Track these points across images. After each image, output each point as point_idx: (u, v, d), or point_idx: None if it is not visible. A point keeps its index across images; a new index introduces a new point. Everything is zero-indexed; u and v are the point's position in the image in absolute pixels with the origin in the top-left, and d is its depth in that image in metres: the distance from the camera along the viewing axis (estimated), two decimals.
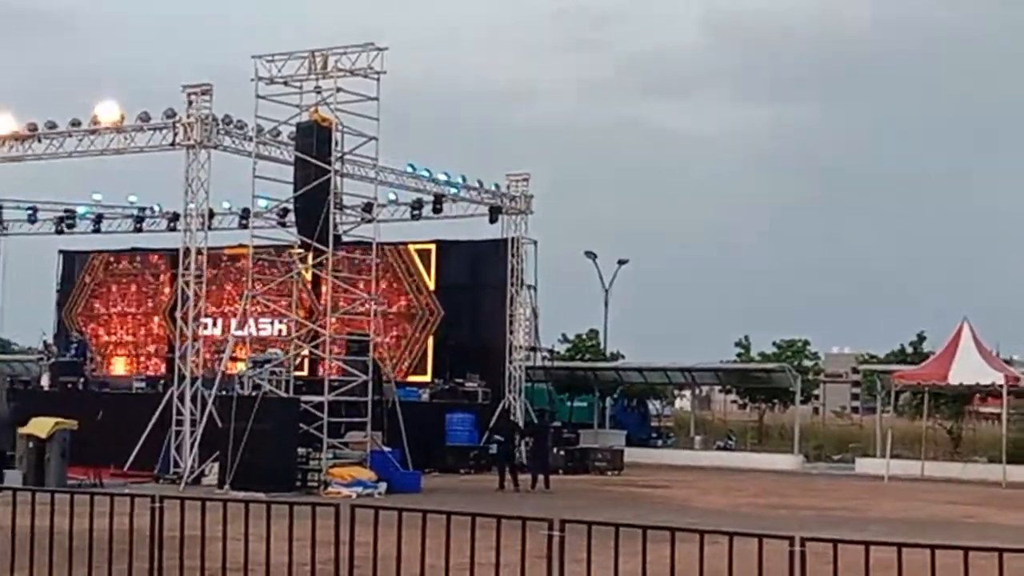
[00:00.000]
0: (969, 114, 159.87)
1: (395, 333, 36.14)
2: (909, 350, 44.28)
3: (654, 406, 49.91)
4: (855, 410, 76.58)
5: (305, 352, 29.92)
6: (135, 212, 39.07)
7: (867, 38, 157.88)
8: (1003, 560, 8.58)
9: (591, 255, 53.11)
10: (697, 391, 52.18)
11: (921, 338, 44.10)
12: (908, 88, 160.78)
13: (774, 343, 48.90)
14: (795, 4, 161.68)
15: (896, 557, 8.63)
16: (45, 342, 37.98)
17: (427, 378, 35.61)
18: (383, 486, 25.74)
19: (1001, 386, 34.52)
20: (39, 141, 30.22)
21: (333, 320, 28.38)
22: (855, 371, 53.12)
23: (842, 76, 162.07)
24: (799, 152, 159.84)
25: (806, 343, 49.20)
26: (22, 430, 24.70)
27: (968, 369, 34.32)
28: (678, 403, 57.37)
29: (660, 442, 45.14)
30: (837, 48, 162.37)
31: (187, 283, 28.14)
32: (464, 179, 35.01)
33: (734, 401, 54.28)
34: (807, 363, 48.59)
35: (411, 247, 36.74)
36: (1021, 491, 31.55)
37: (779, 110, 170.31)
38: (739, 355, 48.90)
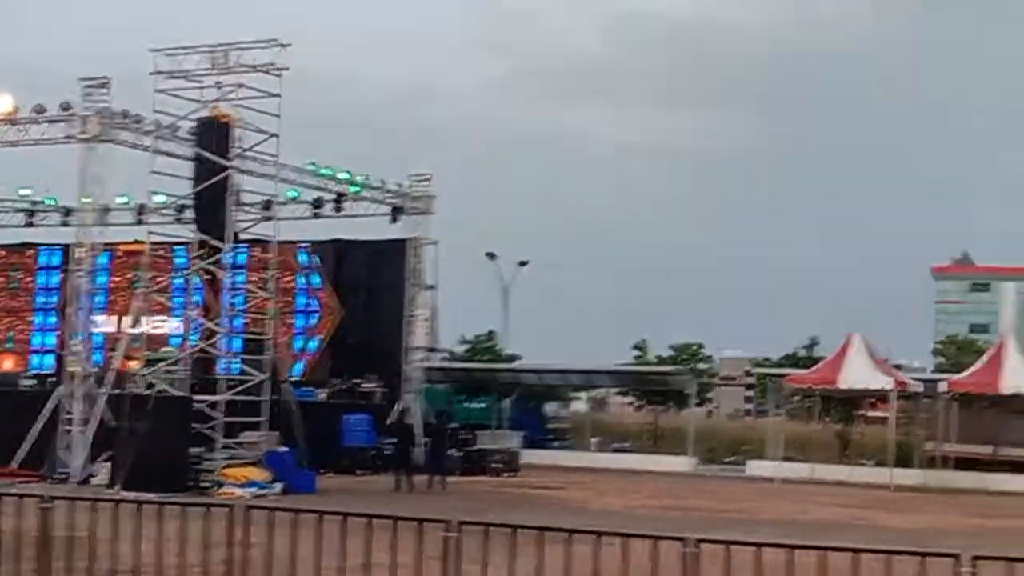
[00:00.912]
0: (875, 117, 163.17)
1: (294, 331, 35.86)
2: (802, 354, 45.02)
3: (551, 408, 50.09)
4: (748, 413, 77.75)
5: (200, 350, 29.52)
6: (27, 206, 38.23)
7: (760, 42, 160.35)
8: (891, 562, 8.77)
9: (491, 256, 53.27)
10: (594, 393, 52.49)
11: (814, 342, 44.89)
12: (801, 94, 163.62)
13: (670, 346, 49.44)
14: (694, 10, 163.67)
15: (788, 559, 8.77)
16: None
17: (325, 378, 35.37)
18: (278, 487, 25.53)
19: (890, 391, 35.25)
20: None
21: (231, 318, 28.06)
22: (749, 374, 53.88)
23: (743, 79, 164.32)
24: (698, 155, 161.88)
25: (700, 346, 49.82)
26: None
27: (858, 374, 35.02)
28: (575, 405, 57.63)
29: (557, 444, 45.29)
30: (736, 52, 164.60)
31: (80, 279, 27.63)
32: (367, 178, 34.82)
33: (630, 403, 54.74)
34: (702, 366, 49.17)
35: (311, 246, 36.49)
36: (908, 494, 32.27)
37: (677, 113, 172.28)
38: (636, 358, 49.33)
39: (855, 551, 8.83)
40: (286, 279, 35.66)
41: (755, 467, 38.32)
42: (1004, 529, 23.42)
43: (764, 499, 29.48)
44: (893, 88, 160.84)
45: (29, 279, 38.84)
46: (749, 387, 63.25)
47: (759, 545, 9.01)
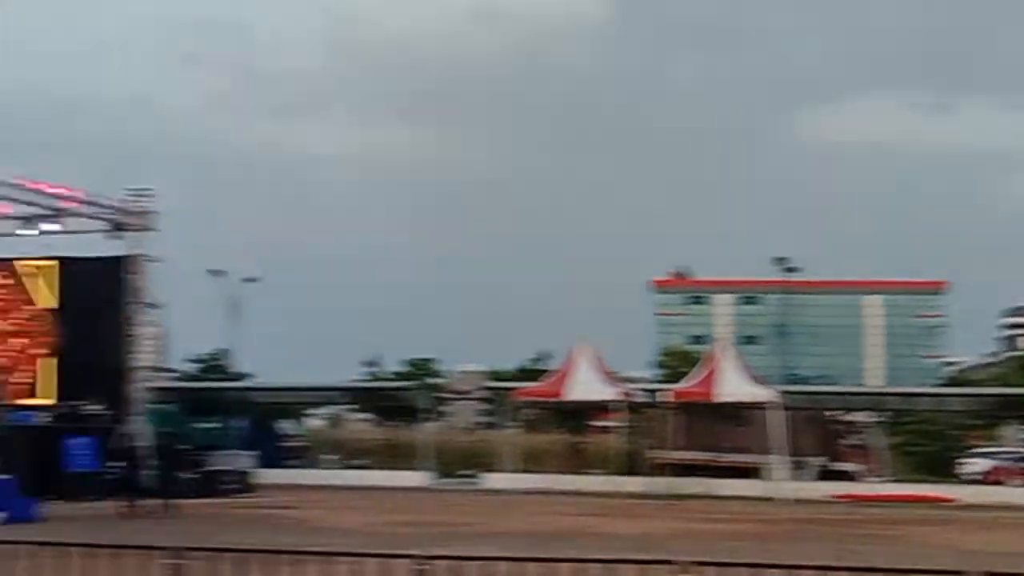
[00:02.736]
0: (593, 141, 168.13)
1: (10, 352, 34.25)
2: (532, 366, 45.95)
3: (286, 426, 49.49)
4: (486, 426, 78.59)
5: None
6: None
7: (489, 63, 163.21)
8: (614, 570, 9.01)
9: (217, 272, 52.19)
10: (330, 411, 52.12)
11: (542, 356, 45.86)
12: (529, 114, 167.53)
13: (404, 361, 49.62)
14: (416, 29, 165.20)
15: (516, 571, 8.90)
16: None
17: (46, 400, 33.91)
18: (3, 516, 24.27)
19: (616, 401, 36.31)
20: None
21: None
22: (482, 388, 54.45)
23: (464, 98, 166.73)
24: (423, 174, 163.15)
25: (433, 360, 50.20)
26: None
27: (585, 386, 35.96)
28: (311, 423, 57.08)
29: (293, 462, 44.77)
30: (456, 71, 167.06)
31: None
32: (85, 193, 33.53)
33: (366, 420, 54.62)
34: (436, 380, 49.51)
35: (28, 263, 34.94)
36: (636, 501, 33.28)
37: (406, 129, 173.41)
38: (372, 374, 49.28)
39: (579, 561, 9.06)
40: (4, 297, 34.08)
41: (490, 480, 38.80)
42: (721, 533, 24.44)
43: (498, 512, 29.83)
44: (613, 100, 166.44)
45: None
46: (483, 400, 63.92)
47: (488, 559, 9.10)
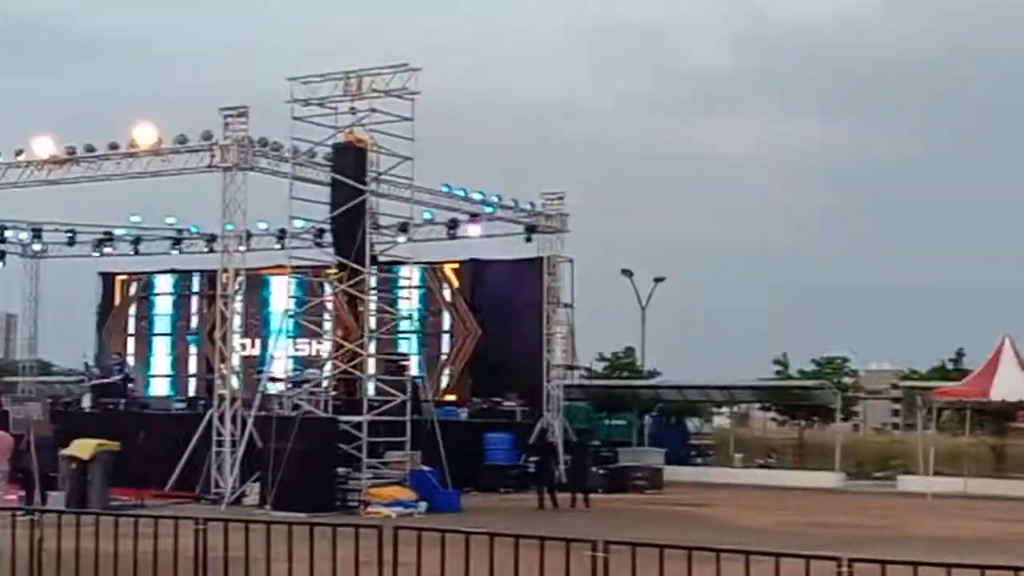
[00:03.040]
0: (1014, 126, 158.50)
1: (433, 352, 36.14)
2: (949, 366, 43.89)
3: (693, 424, 49.64)
4: (895, 427, 75.95)
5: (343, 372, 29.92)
6: (173, 234, 39.29)
7: (904, 47, 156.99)
8: None
9: (627, 273, 53.02)
10: (736, 409, 51.84)
11: (960, 354, 43.69)
12: (950, 100, 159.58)
13: (813, 360, 48.59)
14: (828, 16, 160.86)
15: None
16: (86, 364, 38.24)
17: (466, 397, 35.57)
18: (423, 506, 25.73)
19: None
20: (77, 164, 30.40)
21: (371, 340, 28.39)
22: (895, 387, 52.69)
23: (882, 89, 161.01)
24: (838, 166, 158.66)
25: (845, 360, 48.88)
26: (64, 452, 24.83)
27: (1010, 385, 33.96)
28: (716, 420, 57.00)
29: (700, 460, 44.86)
30: (876, 60, 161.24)
31: (225, 304, 28.24)
32: (500, 198, 34.99)
33: (773, 419, 53.90)
34: (846, 380, 48.22)
35: (447, 266, 36.77)
36: None
37: (817, 125, 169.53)
38: (778, 373, 48.60)
39: (1015, 569, 8.54)
40: (424, 300, 35.96)
41: (906, 482, 37.43)
42: None
43: (916, 515, 28.75)
44: None
45: (177, 305, 39.84)
46: (896, 400, 61.82)
47: (915, 564, 8.77)
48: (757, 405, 52.21)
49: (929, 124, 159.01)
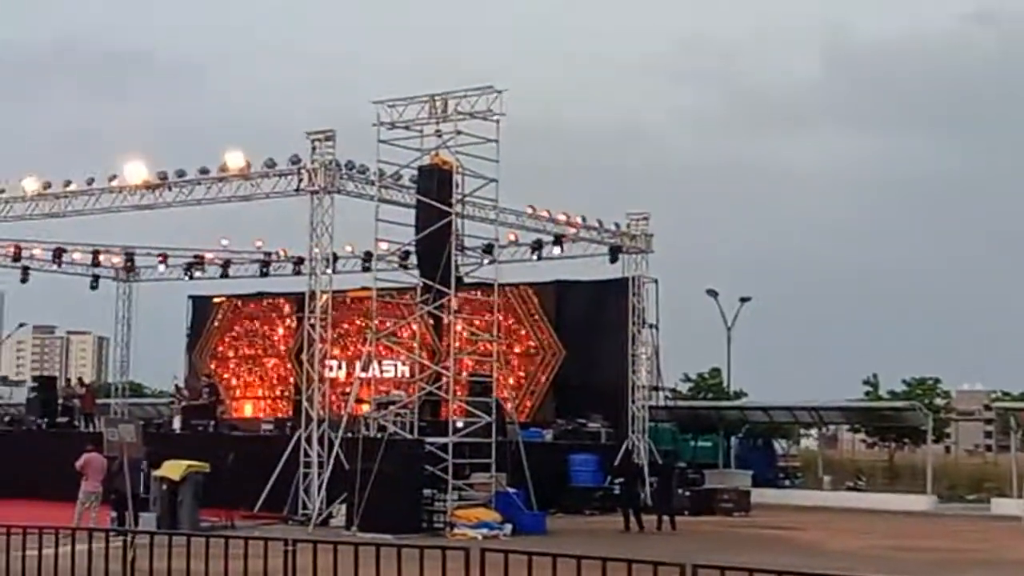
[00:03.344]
0: None
1: (518, 373, 36.16)
2: None
3: (780, 445, 49.14)
4: (988, 448, 74.58)
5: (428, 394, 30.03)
6: (261, 257, 39.80)
7: (988, 64, 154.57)
8: None
9: (713, 293, 52.67)
10: (824, 430, 51.23)
11: None
12: None
13: (903, 381, 47.93)
14: (907, 35, 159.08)
15: None
16: (176, 386, 38.79)
17: (551, 418, 35.51)
18: (508, 527, 25.69)
19: None
20: (169, 189, 30.91)
21: (456, 361, 28.46)
22: (987, 408, 51.78)
23: (963, 105, 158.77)
24: (926, 184, 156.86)
25: (937, 381, 48.13)
26: (155, 473, 25.18)
27: None
28: (804, 442, 56.38)
29: (787, 482, 44.33)
30: (954, 77, 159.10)
31: (312, 326, 28.50)
32: (584, 219, 34.98)
33: (862, 440, 53.22)
34: (938, 401, 47.46)
35: (532, 288, 36.80)
36: None
37: (898, 142, 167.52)
38: (867, 393, 47.99)
39: None
40: (509, 321, 36.04)
41: (1000, 505, 36.68)
42: None
43: (1009, 539, 28.17)
44: None
45: (266, 327, 40.35)
46: (988, 422, 60.70)
47: None
48: (846, 426, 51.61)
49: (1011, 141, 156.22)
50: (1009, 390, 48.47)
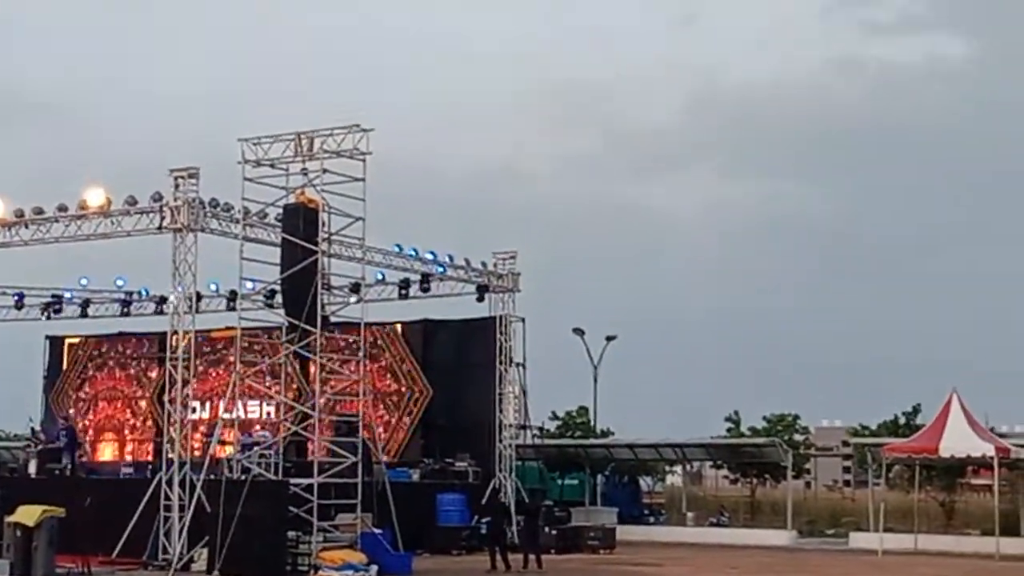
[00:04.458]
0: (961, 184, 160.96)
1: (384, 413, 36.00)
2: (902, 420, 44.18)
3: (645, 482, 49.61)
4: (847, 483, 76.21)
5: (293, 434, 29.70)
6: (122, 296, 39.05)
7: (852, 110, 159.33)
8: None
9: (579, 332, 53.08)
10: (688, 467, 51.90)
11: (916, 410, 43.98)
12: (896, 159, 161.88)
13: (764, 417, 48.82)
14: (774, 80, 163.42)
15: None
16: (32, 429, 37.72)
17: (417, 458, 35.39)
18: (374, 569, 25.50)
19: (992, 458, 34.40)
20: (26, 227, 30.21)
21: (322, 402, 28.24)
22: (845, 444, 52.92)
23: (828, 148, 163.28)
24: (785, 226, 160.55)
25: (796, 417, 49.13)
26: (9, 518, 24.40)
27: (958, 441, 34.21)
28: (669, 479, 57.01)
29: (652, 519, 44.79)
30: (821, 121, 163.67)
31: (175, 367, 28.01)
32: (451, 258, 35.08)
33: (726, 476, 54.01)
34: (797, 437, 48.45)
35: (399, 327, 36.74)
36: (1014, 563, 31.39)
37: (764, 184, 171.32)
38: (729, 430, 48.78)
39: None
40: (376, 360, 35.89)
41: (857, 539, 37.52)
42: None
43: (866, 572, 28.86)
44: (972, 141, 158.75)
45: (126, 368, 39.55)
46: (846, 457, 62.09)
47: None
48: (709, 463, 52.33)
49: (878, 183, 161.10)
50: (868, 425, 49.59)
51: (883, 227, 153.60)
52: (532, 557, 28.47)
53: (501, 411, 35.53)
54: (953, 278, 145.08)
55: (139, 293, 38.91)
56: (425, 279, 35.38)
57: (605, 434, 50.30)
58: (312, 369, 28.86)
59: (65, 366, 40.30)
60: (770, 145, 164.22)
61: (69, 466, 32.69)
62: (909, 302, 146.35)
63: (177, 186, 27.86)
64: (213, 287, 37.13)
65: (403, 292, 36.00)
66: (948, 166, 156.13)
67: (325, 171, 26.89)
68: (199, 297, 32.49)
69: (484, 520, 30.80)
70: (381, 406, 35.89)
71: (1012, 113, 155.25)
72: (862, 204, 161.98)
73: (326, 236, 28.01)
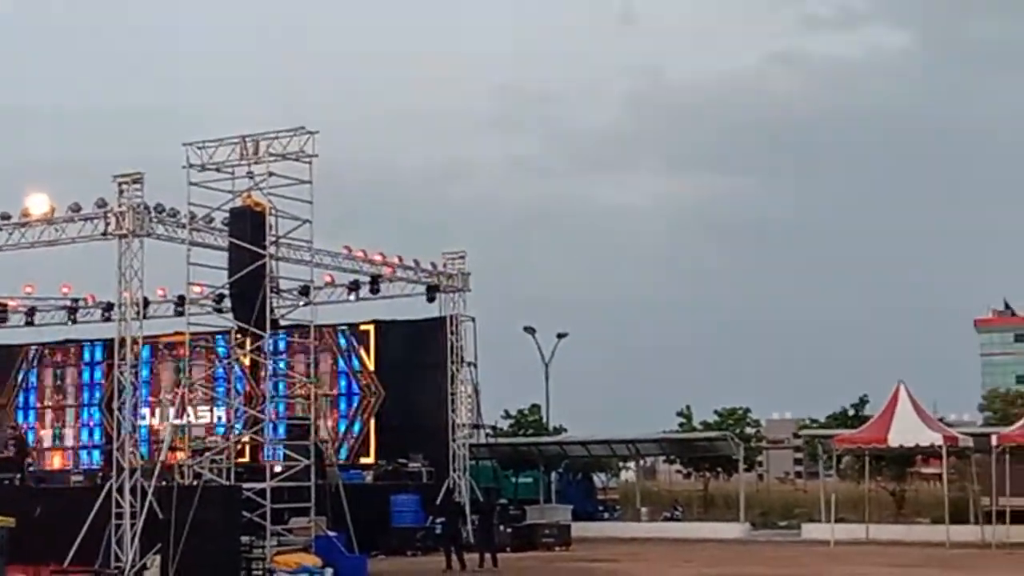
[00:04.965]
0: (902, 175, 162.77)
1: (336, 415, 35.88)
2: (851, 412, 44.56)
3: (599, 479, 49.74)
4: (799, 475, 76.83)
5: (245, 439, 29.56)
6: (68, 303, 38.66)
7: (793, 104, 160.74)
8: None
9: (530, 330, 53.20)
10: (641, 462, 52.11)
11: (863, 401, 44.37)
12: (838, 151, 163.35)
13: (715, 411, 49.06)
14: (714, 77, 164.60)
15: None
16: None
17: (370, 460, 35.33)
18: (329, 572, 25.43)
19: (940, 447, 34.81)
20: None
21: (272, 405, 28.11)
22: (796, 436, 53.33)
23: (767, 142, 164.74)
24: (732, 219, 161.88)
25: (747, 410, 49.40)
26: None
27: (907, 431, 34.61)
28: (623, 475, 57.20)
29: (607, 515, 44.95)
30: (758, 116, 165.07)
31: (123, 373, 27.75)
32: (400, 259, 35.00)
33: (679, 471, 54.24)
34: (749, 430, 48.72)
35: (349, 328, 36.63)
36: (964, 551, 31.79)
37: (708, 179, 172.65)
38: (681, 425, 48.98)
39: None
40: (327, 363, 35.77)
41: (810, 530, 37.86)
42: None
43: (821, 562, 29.10)
44: (924, 138, 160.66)
45: (74, 376, 39.18)
46: (797, 449, 62.54)
47: None
48: (662, 458, 52.57)
49: (820, 176, 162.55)
50: (817, 417, 50.01)
51: (826, 219, 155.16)
52: (488, 556, 28.53)
53: (454, 411, 35.49)
54: (897, 269, 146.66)
55: (85, 300, 38.53)
56: (374, 280, 35.27)
57: (558, 431, 50.38)
58: (262, 373, 28.71)
59: (11, 375, 39.84)
60: (714, 140, 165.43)
61: (18, 475, 32.34)
62: (854, 294, 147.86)
63: (121, 192, 27.57)
64: (161, 292, 36.83)
65: (353, 294, 35.89)
66: (890, 157, 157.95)
67: (271, 174, 26.75)
68: (147, 303, 32.21)
69: (439, 520, 30.80)
70: (333, 408, 35.75)
71: (951, 102, 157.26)
72: (806, 196, 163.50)
73: (274, 239, 27.87)
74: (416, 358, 36.43)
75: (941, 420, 39.73)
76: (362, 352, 36.54)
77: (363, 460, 35.34)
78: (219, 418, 32.82)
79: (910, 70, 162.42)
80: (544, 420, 51.71)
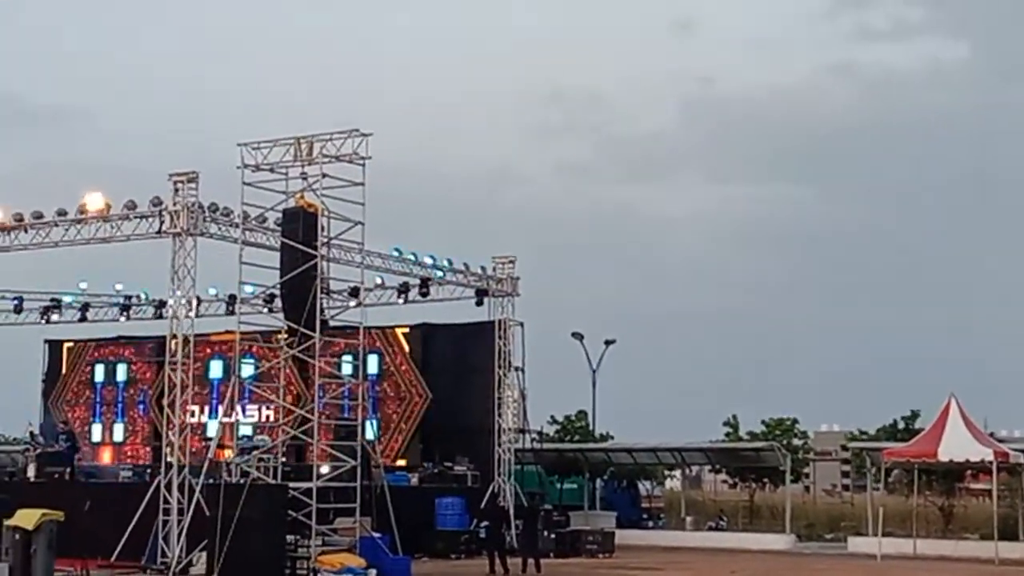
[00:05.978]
0: (957, 188, 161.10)
1: (383, 417, 35.99)
2: (901, 425, 44.16)
3: (644, 487, 49.61)
4: (845, 488, 76.26)
5: (292, 438, 29.71)
6: (121, 300, 39.06)
7: (847, 115, 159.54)
8: None
9: (578, 336, 53.10)
10: (687, 471, 51.91)
11: (915, 414, 43.93)
12: (891, 163, 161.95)
13: (763, 421, 48.77)
14: (767, 86, 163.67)
15: None
16: (31, 432, 37.70)
17: (416, 462, 35.39)
18: (373, 573, 25.52)
19: (990, 462, 34.43)
20: (25, 231, 30.21)
21: (321, 406, 28.25)
22: (844, 448, 52.93)
23: (824, 152, 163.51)
24: (782, 230, 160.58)
25: (795, 421, 49.08)
26: (8, 522, 24.36)
27: (957, 445, 34.23)
28: (668, 483, 57.00)
29: (651, 523, 44.79)
30: (815, 125, 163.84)
31: (174, 371, 28.02)
32: (450, 262, 35.10)
33: (724, 481, 53.94)
34: (796, 441, 48.40)
35: (398, 331, 36.73)
36: (1013, 568, 31.43)
37: (759, 189, 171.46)
38: (727, 434, 48.74)
39: None
40: (375, 364, 35.86)
41: (856, 543, 37.55)
42: None
43: None
44: (983, 151, 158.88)
45: (126, 372, 39.50)
46: (845, 462, 62.07)
47: None
48: (708, 467, 52.31)
49: (874, 187, 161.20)
50: (866, 430, 49.58)
51: (879, 231, 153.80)
52: (531, 561, 28.51)
53: (500, 415, 35.53)
54: (951, 281, 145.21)
55: (138, 297, 38.93)
56: (424, 283, 35.41)
57: (604, 438, 50.27)
58: (311, 373, 28.86)
59: (64, 370, 40.26)
60: (766, 150, 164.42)
61: (68, 470, 32.70)
62: (907, 306, 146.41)
63: (176, 190, 27.89)
64: (213, 291, 37.14)
65: (402, 296, 36.03)
66: (943, 170, 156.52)
67: (324, 175, 26.92)
68: (199, 301, 32.49)
69: (483, 524, 30.80)
70: (381, 409, 35.87)
71: (1007, 116, 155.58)
72: (859, 208, 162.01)
73: (325, 240, 28.02)
74: (464, 361, 36.52)
75: (992, 435, 39.27)
76: (410, 354, 36.60)
77: (408, 462, 35.38)
78: (267, 417, 32.99)
79: (968, 81, 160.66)
80: (590, 426, 51.63)
